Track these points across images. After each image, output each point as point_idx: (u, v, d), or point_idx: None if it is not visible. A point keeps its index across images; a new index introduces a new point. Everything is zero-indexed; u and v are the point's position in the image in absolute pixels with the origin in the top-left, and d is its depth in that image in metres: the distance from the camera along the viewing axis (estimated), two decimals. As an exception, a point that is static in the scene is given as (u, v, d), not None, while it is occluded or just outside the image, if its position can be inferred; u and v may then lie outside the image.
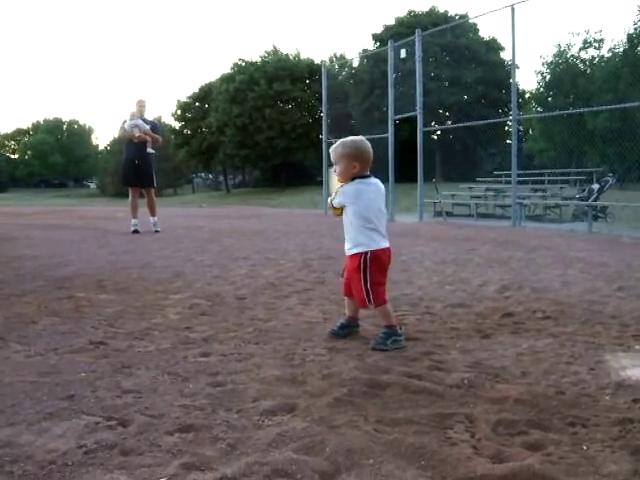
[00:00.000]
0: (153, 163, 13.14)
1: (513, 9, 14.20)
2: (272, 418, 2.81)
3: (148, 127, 13.04)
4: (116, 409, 2.92)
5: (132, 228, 12.62)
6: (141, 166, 12.99)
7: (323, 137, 21.41)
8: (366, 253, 4.21)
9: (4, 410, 2.91)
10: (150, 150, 13.05)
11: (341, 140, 4.33)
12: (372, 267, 4.18)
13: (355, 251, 4.30)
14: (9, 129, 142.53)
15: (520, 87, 43.56)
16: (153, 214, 13.05)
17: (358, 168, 4.23)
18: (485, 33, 52.99)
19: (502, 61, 49.68)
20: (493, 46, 51.35)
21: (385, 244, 4.28)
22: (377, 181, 4.39)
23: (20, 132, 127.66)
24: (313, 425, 2.70)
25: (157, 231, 12.57)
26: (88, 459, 2.40)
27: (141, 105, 13.30)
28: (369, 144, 4.33)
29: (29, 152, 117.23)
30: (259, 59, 65.88)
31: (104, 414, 2.86)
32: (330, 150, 4.38)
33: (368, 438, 2.56)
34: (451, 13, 55.53)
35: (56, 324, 4.71)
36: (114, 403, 3.00)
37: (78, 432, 2.65)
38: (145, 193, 13.19)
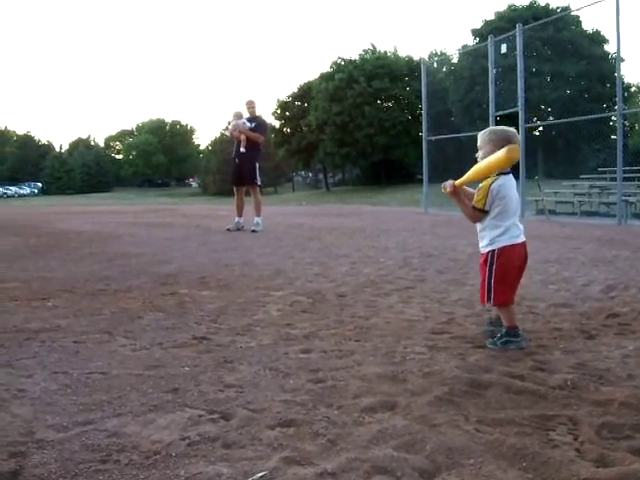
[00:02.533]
0: (255, 161, 13.19)
1: (617, 0, 13.79)
2: (372, 415, 2.81)
3: (249, 126, 13.15)
4: (219, 403, 2.97)
5: (228, 226, 12.91)
6: (241, 164, 13.16)
7: (423, 134, 21.29)
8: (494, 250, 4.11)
9: (111, 401, 2.99)
10: (242, 149, 13.12)
11: (491, 128, 4.35)
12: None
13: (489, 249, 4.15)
14: (114, 130, 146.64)
15: (625, 80, 42.30)
16: (256, 213, 13.18)
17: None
18: (588, 25, 51.45)
19: (606, 54, 48.13)
20: (596, 39, 49.77)
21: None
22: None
23: (124, 133, 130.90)
24: (413, 423, 2.68)
25: (253, 231, 12.58)
26: (191, 450, 2.45)
27: (249, 106, 13.51)
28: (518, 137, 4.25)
29: (133, 152, 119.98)
30: (358, 57, 65.88)
31: (207, 407, 2.91)
32: (479, 135, 4.30)
33: (469, 438, 2.53)
34: (552, 6, 54.13)
35: (160, 319, 4.81)
36: (217, 397, 3.05)
37: (182, 424, 2.71)
38: (251, 191, 13.37)
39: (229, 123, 13.55)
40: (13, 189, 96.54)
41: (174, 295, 5.77)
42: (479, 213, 4.12)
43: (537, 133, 40.91)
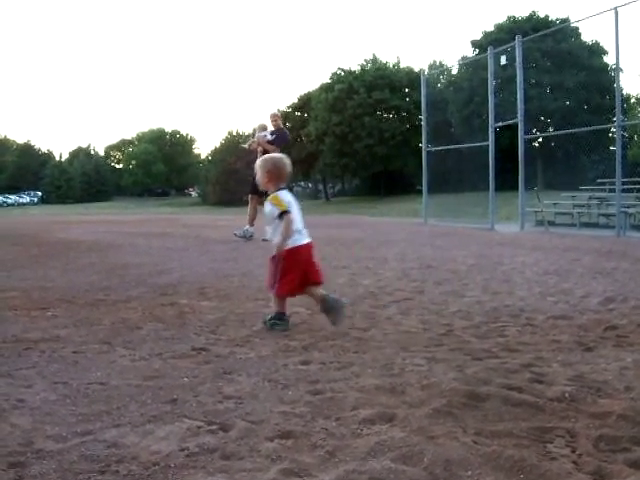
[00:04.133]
0: None
1: (617, 12, 13.84)
2: (371, 427, 2.82)
3: (269, 138, 13.46)
4: (217, 414, 2.98)
5: (235, 231, 13.05)
6: (256, 175, 13.25)
7: (423, 145, 21.33)
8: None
9: (110, 412, 3.00)
10: (258, 161, 13.27)
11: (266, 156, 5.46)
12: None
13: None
14: (114, 140, 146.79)
15: (624, 92, 42.37)
16: (250, 222, 13.38)
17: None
18: (587, 37, 51.51)
19: (605, 65, 48.17)
20: (596, 50, 49.80)
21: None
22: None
23: (124, 142, 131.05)
24: (411, 435, 2.69)
25: (264, 240, 12.74)
26: (190, 462, 2.46)
27: (272, 119, 13.89)
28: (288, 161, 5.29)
29: (133, 162, 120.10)
30: (358, 68, 66.03)
31: (206, 419, 2.92)
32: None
33: (467, 450, 2.53)
34: (552, 17, 54.32)
35: (160, 330, 4.83)
36: (216, 408, 3.06)
37: (180, 435, 2.72)
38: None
39: (253, 134, 13.88)
40: (13, 198, 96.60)
41: (173, 305, 5.79)
42: (289, 214, 4.95)
43: (536, 144, 41.02)
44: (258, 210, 13.31)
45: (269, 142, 13.36)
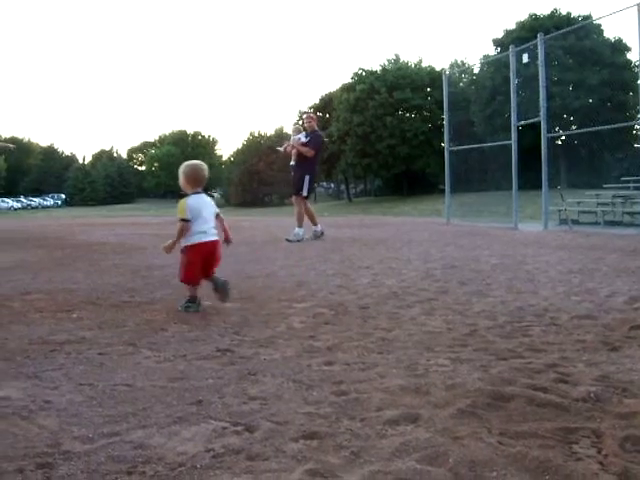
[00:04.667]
0: (305, 173, 13.60)
1: (639, 8, 13.73)
2: (395, 427, 2.81)
3: (303, 140, 13.67)
4: (242, 415, 2.98)
5: (288, 237, 13.19)
6: (293, 176, 13.96)
7: (445, 145, 21.27)
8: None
9: (136, 413, 3.02)
10: (292, 162, 13.91)
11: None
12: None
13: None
14: (136, 142, 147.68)
15: (648, 88, 42.07)
16: (313, 222, 13.70)
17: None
18: (610, 34, 51.11)
19: (628, 62, 47.84)
20: (618, 47, 49.45)
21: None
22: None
23: (147, 145, 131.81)
24: (436, 436, 2.69)
25: (287, 240, 13.10)
26: (216, 462, 2.47)
27: (306, 121, 14.13)
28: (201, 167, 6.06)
29: (156, 164, 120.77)
30: (379, 68, 65.98)
31: (231, 419, 2.93)
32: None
33: (492, 450, 2.53)
34: (574, 14, 54.03)
35: (184, 331, 4.85)
36: (241, 409, 3.07)
37: (206, 436, 2.73)
38: (297, 201, 13.87)
39: (281, 142, 14.22)
40: (37, 201, 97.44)
41: (198, 307, 5.81)
42: (185, 222, 5.73)
43: (559, 142, 40.72)
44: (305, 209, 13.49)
45: (303, 144, 13.53)
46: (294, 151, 13.72)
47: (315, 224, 13.52)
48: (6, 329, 4.93)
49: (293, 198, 14.08)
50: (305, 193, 13.55)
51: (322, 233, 13.43)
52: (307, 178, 13.47)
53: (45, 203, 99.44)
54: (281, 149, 14.72)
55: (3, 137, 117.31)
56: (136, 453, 2.56)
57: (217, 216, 6.01)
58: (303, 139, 13.66)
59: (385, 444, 2.62)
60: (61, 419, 2.95)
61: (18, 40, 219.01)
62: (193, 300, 5.77)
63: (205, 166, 6.11)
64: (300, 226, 13.32)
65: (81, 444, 2.65)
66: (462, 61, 67.04)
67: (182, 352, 4.20)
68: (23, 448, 2.61)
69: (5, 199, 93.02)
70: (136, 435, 2.75)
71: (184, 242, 5.81)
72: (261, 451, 2.57)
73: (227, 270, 8.21)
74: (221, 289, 5.84)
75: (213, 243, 5.88)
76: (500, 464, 2.40)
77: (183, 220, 5.73)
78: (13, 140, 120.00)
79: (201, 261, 5.81)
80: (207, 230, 5.82)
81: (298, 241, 12.85)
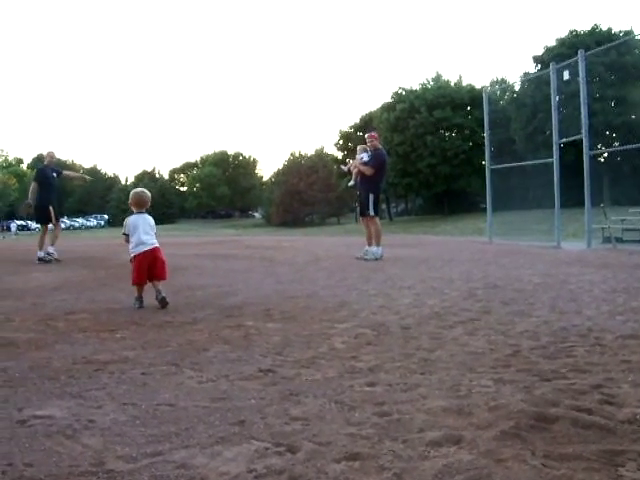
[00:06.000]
0: (369, 192, 13.65)
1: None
2: (438, 449, 2.79)
3: (365, 159, 13.86)
4: (285, 436, 2.98)
5: (365, 255, 13.29)
6: (359, 196, 14.22)
7: (486, 163, 21.18)
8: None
9: (179, 433, 3.03)
10: (352, 182, 14.42)
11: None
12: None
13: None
14: (178, 163, 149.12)
15: (693, 102, 41.50)
16: (369, 242, 13.65)
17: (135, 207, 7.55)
18: (652, 48, 50.67)
19: (671, 77, 47.43)
20: (661, 62, 49.03)
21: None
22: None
23: (189, 165, 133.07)
24: (479, 458, 2.66)
25: (358, 258, 13.22)
26: (258, 483, 2.47)
27: (368, 139, 14.24)
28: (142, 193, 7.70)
29: (197, 184, 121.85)
30: (419, 87, 65.99)
31: (273, 440, 2.93)
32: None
33: (536, 473, 2.50)
34: (615, 30, 53.65)
35: (226, 351, 4.86)
36: (283, 430, 3.07)
37: (248, 457, 2.73)
38: (368, 222, 13.95)
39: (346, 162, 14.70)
40: (80, 221, 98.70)
41: (239, 327, 5.82)
42: (124, 236, 7.55)
43: (602, 159, 40.37)
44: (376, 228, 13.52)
45: (364, 163, 13.60)
46: (355, 170, 13.93)
47: (370, 245, 13.43)
48: (51, 349, 4.98)
49: (361, 219, 14.27)
50: (372, 212, 13.56)
51: (381, 256, 13.19)
52: (371, 197, 13.51)
53: (88, 224, 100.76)
54: (345, 168, 15.11)
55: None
56: (179, 473, 2.57)
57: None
58: (365, 158, 13.78)
59: (427, 466, 2.60)
60: (105, 438, 2.97)
61: (63, 62, 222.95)
62: (139, 298, 7.22)
63: (146, 192, 7.75)
64: (378, 244, 13.36)
65: (124, 463, 2.67)
66: (502, 79, 66.60)
67: (224, 372, 4.22)
68: (67, 467, 2.64)
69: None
70: (179, 455, 2.76)
71: (131, 253, 7.40)
72: (303, 472, 2.57)
73: (268, 290, 8.26)
74: (159, 300, 7.08)
75: (151, 250, 7.33)
76: (545, 487, 2.37)
77: (123, 234, 7.54)
78: (57, 162, 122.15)
79: (146, 266, 7.25)
80: (145, 241, 7.32)
81: (376, 259, 12.85)
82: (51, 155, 14.97)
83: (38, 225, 15.70)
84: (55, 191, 14.64)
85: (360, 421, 3.18)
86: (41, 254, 13.72)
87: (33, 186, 14.21)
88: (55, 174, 14.67)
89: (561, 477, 2.45)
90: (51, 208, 14.08)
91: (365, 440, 2.91)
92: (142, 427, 3.13)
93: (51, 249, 13.87)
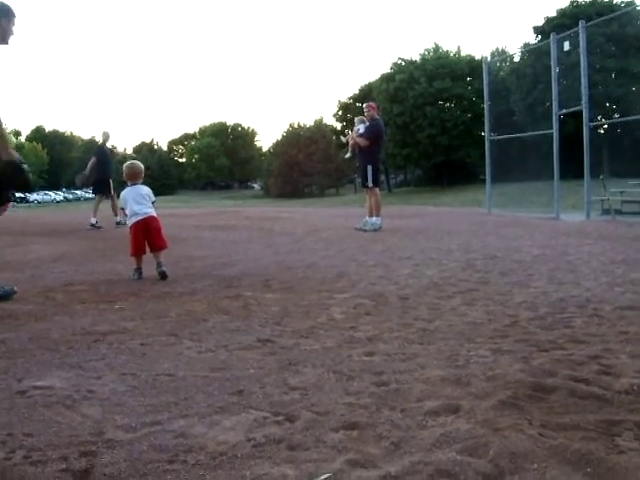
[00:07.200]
0: (367, 164, 13.59)
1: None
2: (436, 418, 2.81)
3: (361, 131, 13.80)
4: (283, 405, 3.00)
5: (363, 227, 13.28)
6: (358, 168, 14.68)
7: (485, 134, 21.10)
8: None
9: (178, 403, 3.05)
10: (348, 154, 14.53)
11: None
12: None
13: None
14: (177, 134, 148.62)
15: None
16: (368, 213, 13.61)
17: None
18: (653, 20, 50.32)
19: (673, 49, 47.14)
20: (662, 33, 48.70)
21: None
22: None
23: (187, 137, 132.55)
24: (477, 427, 2.67)
25: (358, 228, 13.18)
26: (256, 452, 2.49)
27: (365, 110, 14.14)
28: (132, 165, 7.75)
29: (196, 156, 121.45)
30: (418, 57, 65.68)
31: (272, 409, 2.94)
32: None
33: (533, 442, 2.51)
34: (616, 1, 53.25)
35: (225, 322, 4.87)
36: (281, 399, 3.08)
37: (247, 426, 2.75)
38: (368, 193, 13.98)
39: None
40: (78, 193, 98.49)
41: (238, 298, 5.83)
42: (122, 210, 8.11)
43: (602, 131, 40.18)
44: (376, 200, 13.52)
45: (359, 135, 13.59)
46: (352, 142, 13.93)
47: (371, 216, 13.41)
48: (50, 320, 5.00)
49: (365, 190, 14.18)
50: (371, 184, 13.50)
51: (380, 227, 13.15)
52: (370, 168, 13.44)
53: (87, 195, 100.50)
54: (344, 140, 15.38)
55: (47, 130, 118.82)
56: (178, 442, 2.58)
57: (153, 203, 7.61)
58: (362, 130, 13.72)
59: (425, 435, 2.62)
60: (104, 408, 2.99)
61: (61, 32, 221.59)
62: (138, 269, 7.24)
63: (136, 163, 7.84)
64: (377, 215, 13.35)
65: (124, 433, 2.69)
66: (502, 49, 66.31)
67: (223, 342, 4.23)
68: (67, 436, 2.66)
69: (48, 192, 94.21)
70: (178, 424, 2.77)
71: (128, 223, 7.59)
72: (302, 441, 2.59)
73: (267, 261, 8.27)
74: (159, 272, 7.10)
75: (145, 219, 7.32)
76: (541, 456, 2.39)
77: (121, 209, 8.09)
78: (55, 133, 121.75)
79: (141, 235, 7.29)
80: (137, 211, 7.34)
81: (375, 230, 12.82)
82: (107, 135, 16.73)
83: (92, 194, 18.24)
84: (112, 166, 16.46)
85: (358, 390, 3.20)
86: (93, 220, 15.16)
87: (93, 161, 15.90)
88: (109, 151, 16.46)
89: (558, 446, 2.46)
90: (110, 181, 16.00)
91: (363, 409, 2.93)
92: (141, 397, 3.15)
93: (119, 218, 14.94)
